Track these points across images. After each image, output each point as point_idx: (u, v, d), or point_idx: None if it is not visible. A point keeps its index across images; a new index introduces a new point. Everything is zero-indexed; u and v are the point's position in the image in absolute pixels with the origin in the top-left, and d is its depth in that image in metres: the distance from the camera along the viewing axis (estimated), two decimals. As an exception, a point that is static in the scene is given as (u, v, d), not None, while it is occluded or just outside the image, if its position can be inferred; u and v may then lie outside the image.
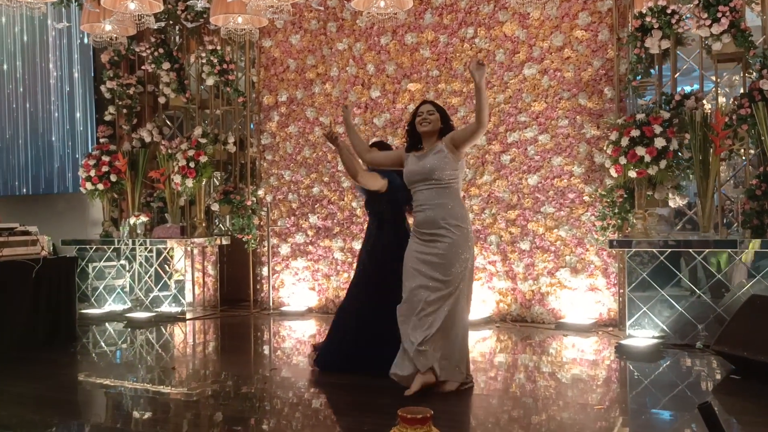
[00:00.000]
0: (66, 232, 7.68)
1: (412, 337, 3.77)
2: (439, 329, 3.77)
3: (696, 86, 5.75)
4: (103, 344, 5.68)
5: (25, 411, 3.60)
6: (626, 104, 5.88)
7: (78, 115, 8.31)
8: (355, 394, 3.95)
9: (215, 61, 7.08)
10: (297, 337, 5.89)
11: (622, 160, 5.34)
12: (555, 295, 6.11)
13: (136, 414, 3.73)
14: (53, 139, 8.49)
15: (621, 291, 5.75)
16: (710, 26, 5.19)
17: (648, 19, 5.44)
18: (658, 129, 5.22)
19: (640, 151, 5.22)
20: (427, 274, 3.81)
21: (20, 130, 8.69)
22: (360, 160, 4.31)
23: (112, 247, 7.19)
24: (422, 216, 3.87)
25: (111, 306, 7.18)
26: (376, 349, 4.15)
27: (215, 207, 7.18)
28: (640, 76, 5.60)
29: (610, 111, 5.92)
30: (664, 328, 5.17)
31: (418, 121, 3.93)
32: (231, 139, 7.22)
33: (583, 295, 6.00)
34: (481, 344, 5.45)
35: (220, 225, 7.62)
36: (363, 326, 4.28)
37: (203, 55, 7.16)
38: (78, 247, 7.30)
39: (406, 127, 4.09)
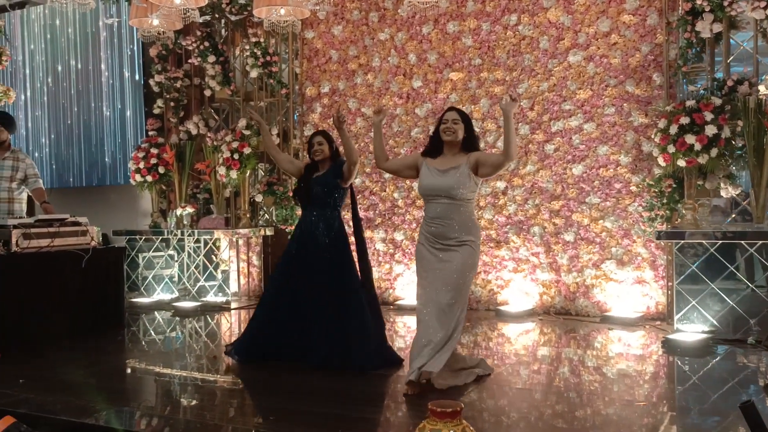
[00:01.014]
0: (118, 222, 7.90)
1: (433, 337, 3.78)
2: (447, 335, 3.75)
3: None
4: (151, 332, 5.82)
5: (71, 397, 3.70)
6: (676, 91, 5.69)
7: (128, 112, 8.52)
8: (391, 385, 3.96)
9: (259, 53, 7.15)
10: (339, 327, 5.91)
11: (671, 149, 5.18)
12: (600, 287, 5.98)
13: (183, 401, 3.82)
14: (105, 134, 8.74)
15: (669, 284, 5.59)
16: (765, 8, 4.98)
17: (699, 1, 5.24)
18: (709, 116, 5.04)
19: (690, 139, 5.06)
20: (438, 282, 3.80)
21: (74, 126, 8.96)
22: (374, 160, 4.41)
23: (161, 237, 7.36)
24: (435, 229, 3.85)
25: (159, 295, 7.36)
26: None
27: (259, 198, 7.27)
28: (690, 62, 5.41)
29: (658, 98, 5.75)
30: (714, 322, 5.00)
31: (442, 129, 3.89)
32: (274, 131, 7.28)
33: (630, 288, 5.86)
34: (524, 337, 5.38)
35: (265, 215, 7.71)
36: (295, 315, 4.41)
37: (247, 47, 7.24)
38: (128, 237, 7.50)
39: (431, 133, 4.06)
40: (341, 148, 4.54)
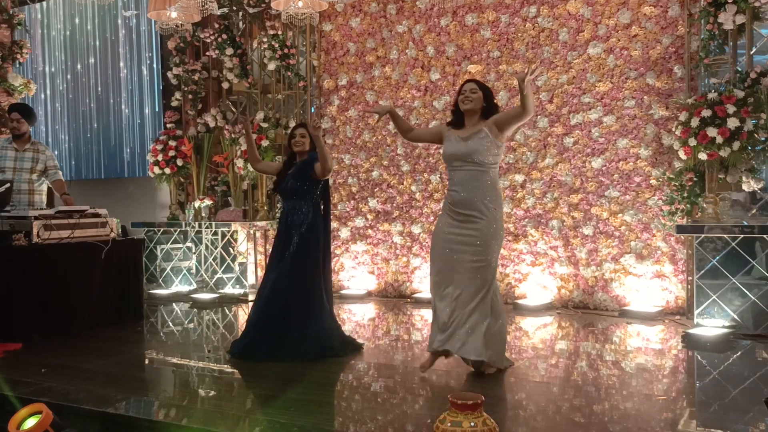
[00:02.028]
0: (136, 215, 7.96)
1: (446, 316, 3.86)
2: (477, 310, 3.80)
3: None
4: (169, 323, 5.86)
5: (92, 386, 3.75)
6: (697, 83, 5.61)
7: (147, 109, 8.57)
8: (408, 378, 3.95)
9: (276, 45, 7.15)
10: (356, 320, 5.93)
11: (692, 142, 5.11)
12: (619, 281, 5.93)
13: (201, 392, 3.84)
14: (124, 129, 8.81)
15: (689, 278, 5.53)
16: (791, -1, 4.89)
17: (722, -8, 5.17)
18: (731, 109, 4.97)
19: (712, 132, 4.99)
20: (462, 254, 3.83)
21: (93, 123, 9.05)
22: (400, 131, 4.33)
23: (179, 229, 7.40)
24: (458, 197, 3.88)
25: (178, 287, 7.41)
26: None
27: (276, 191, 7.28)
28: (712, 54, 5.34)
29: (680, 90, 5.68)
30: (735, 317, 4.95)
31: (460, 99, 3.94)
32: (292, 124, 7.29)
33: (649, 282, 5.81)
34: (541, 331, 5.35)
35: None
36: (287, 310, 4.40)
37: (265, 40, 7.24)
38: (147, 229, 7.55)
39: (452, 107, 4.08)
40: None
